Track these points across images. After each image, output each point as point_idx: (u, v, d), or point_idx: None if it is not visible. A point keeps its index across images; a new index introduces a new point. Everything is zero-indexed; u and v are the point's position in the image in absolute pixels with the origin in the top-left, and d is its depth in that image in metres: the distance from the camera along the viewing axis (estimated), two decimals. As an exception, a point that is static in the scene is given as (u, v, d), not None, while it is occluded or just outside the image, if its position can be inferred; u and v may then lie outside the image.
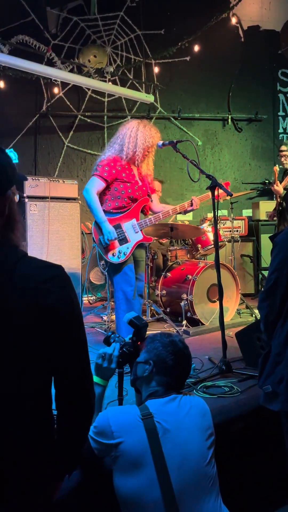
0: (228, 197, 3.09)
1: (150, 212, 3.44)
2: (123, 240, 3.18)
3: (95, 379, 1.68)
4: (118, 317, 3.20)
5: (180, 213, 3.48)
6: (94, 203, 3.14)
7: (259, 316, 1.87)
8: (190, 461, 1.44)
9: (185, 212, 3.45)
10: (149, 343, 1.67)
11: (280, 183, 4.60)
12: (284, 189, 4.58)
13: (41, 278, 1.07)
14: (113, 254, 3.15)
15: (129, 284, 3.18)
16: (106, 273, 4.39)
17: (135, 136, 3.15)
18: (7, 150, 4.27)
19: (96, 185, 3.15)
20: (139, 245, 3.30)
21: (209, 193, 2.87)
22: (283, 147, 4.70)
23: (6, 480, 1.06)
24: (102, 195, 3.23)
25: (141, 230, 3.24)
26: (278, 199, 4.67)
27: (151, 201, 3.37)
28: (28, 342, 1.05)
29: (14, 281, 1.04)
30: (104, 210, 3.19)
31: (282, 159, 4.69)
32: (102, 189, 3.18)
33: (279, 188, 4.55)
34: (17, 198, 1.14)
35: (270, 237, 1.95)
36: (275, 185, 4.59)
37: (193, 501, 1.41)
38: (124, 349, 1.74)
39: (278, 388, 1.70)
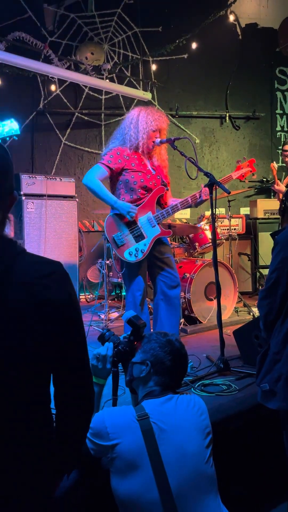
0: (226, 194, 2.91)
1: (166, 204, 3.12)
2: (139, 236, 2.88)
3: (93, 378, 1.67)
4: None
5: (190, 206, 3.08)
6: (97, 187, 2.84)
7: (259, 314, 1.87)
8: (188, 461, 1.43)
9: (196, 204, 3.05)
10: (145, 343, 1.65)
11: (281, 181, 4.61)
12: (286, 187, 4.57)
13: (40, 274, 1.07)
14: (129, 253, 2.86)
15: (140, 288, 2.92)
16: (104, 272, 4.39)
17: (136, 123, 2.91)
18: (10, 120, 4.20)
19: (97, 172, 2.87)
20: (159, 240, 2.97)
21: (233, 173, 2.67)
22: (287, 147, 4.67)
23: (4, 479, 1.05)
24: (114, 190, 3.00)
25: (158, 224, 2.91)
26: (281, 197, 4.65)
27: (167, 189, 3.08)
28: (26, 337, 1.04)
29: (12, 276, 1.04)
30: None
31: (287, 159, 4.67)
32: (104, 178, 2.90)
33: (280, 187, 4.55)
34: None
35: (271, 234, 1.95)
36: (275, 185, 4.59)
37: (192, 501, 1.40)
38: (119, 348, 1.72)
39: (276, 387, 1.69)
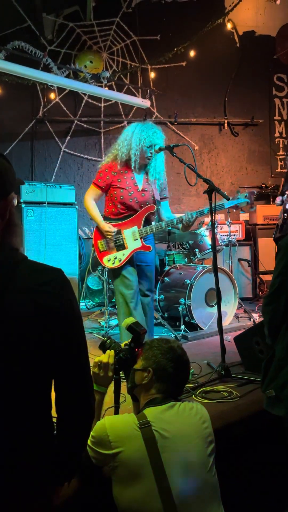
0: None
1: (155, 219, 3.30)
2: (120, 246, 3.11)
3: (94, 386, 1.66)
4: (120, 321, 3.17)
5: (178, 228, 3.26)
6: (89, 210, 3.17)
7: (263, 320, 1.86)
8: (191, 469, 1.42)
9: (184, 228, 3.20)
10: (147, 350, 1.65)
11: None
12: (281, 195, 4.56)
13: (41, 280, 1.07)
14: (108, 259, 3.11)
15: (128, 287, 3.07)
16: (104, 278, 4.38)
17: (130, 139, 3.04)
18: None
19: (91, 193, 3.18)
20: (140, 252, 3.15)
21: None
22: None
23: (4, 486, 1.04)
24: (105, 200, 3.23)
25: (140, 238, 3.10)
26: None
27: (158, 208, 3.23)
28: (27, 343, 1.05)
29: (14, 282, 1.04)
30: (104, 215, 3.19)
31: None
32: (99, 196, 3.19)
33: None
34: (15, 202, 1.14)
35: (274, 239, 1.95)
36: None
37: (194, 510, 1.39)
38: (120, 355, 1.71)
39: (282, 393, 1.68)
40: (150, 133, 3.04)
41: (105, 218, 3.17)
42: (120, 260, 3.07)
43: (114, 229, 3.07)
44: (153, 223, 3.22)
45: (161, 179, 3.24)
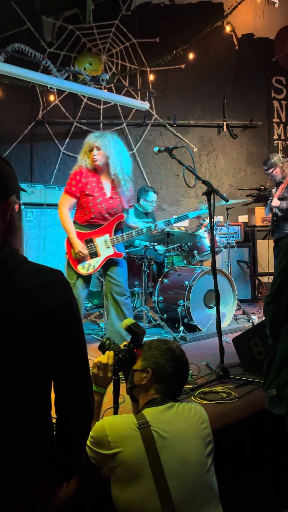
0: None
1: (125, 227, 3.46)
2: (93, 254, 3.24)
3: (93, 387, 1.66)
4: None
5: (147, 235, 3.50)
6: (64, 222, 3.22)
7: (265, 319, 1.86)
8: (189, 470, 1.42)
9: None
10: (146, 350, 1.65)
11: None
12: (279, 199, 4.61)
13: (42, 281, 1.08)
14: (82, 266, 3.23)
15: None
16: (102, 280, 4.39)
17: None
18: None
19: (66, 203, 3.23)
20: (115, 260, 3.29)
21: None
22: (264, 167, 4.89)
23: (4, 486, 1.05)
24: (77, 206, 3.31)
25: (112, 246, 3.25)
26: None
27: (127, 217, 3.36)
28: (28, 344, 1.05)
29: (14, 283, 1.05)
30: (74, 220, 3.28)
31: (269, 177, 4.88)
32: (73, 205, 3.26)
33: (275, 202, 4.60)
34: (17, 207, 1.16)
35: (274, 241, 1.96)
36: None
37: (193, 510, 1.39)
38: (119, 356, 1.71)
39: (283, 392, 1.69)
40: (90, 134, 3.26)
41: (75, 223, 3.27)
42: (94, 267, 3.23)
43: (86, 252, 3.20)
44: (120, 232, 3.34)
45: (128, 187, 3.31)
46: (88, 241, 3.24)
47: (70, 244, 3.25)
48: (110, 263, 3.29)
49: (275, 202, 4.57)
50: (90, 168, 3.21)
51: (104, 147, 3.15)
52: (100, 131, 3.39)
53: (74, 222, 3.26)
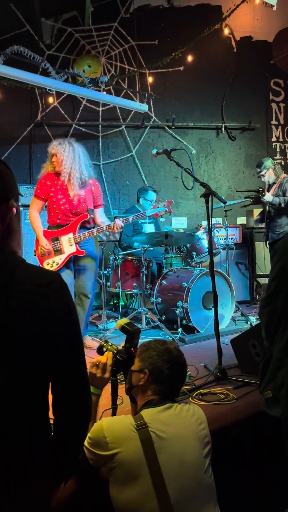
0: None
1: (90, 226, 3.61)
2: (58, 251, 3.46)
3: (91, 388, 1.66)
4: None
5: (109, 233, 3.65)
6: (32, 222, 3.52)
7: (260, 322, 1.87)
8: (187, 470, 1.43)
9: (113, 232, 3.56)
10: (143, 351, 1.65)
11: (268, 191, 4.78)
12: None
13: (40, 282, 1.10)
14: (47, 263, 3.46)
15: None
16: (101, 282, 4.40)
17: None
18: None
19: (34, 205, 3.55)
20: (86, 255, 3.49)
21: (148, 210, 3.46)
22: (257, 169, 5.01)
23: (3, 486, 1.05)
24: (47, 210, 3.58)
25: (75, 244, 3.43)
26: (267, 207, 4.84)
27: (91, 217, 3.54)
28: (25, 344, 1.06)
29: (13, 284, 1.06)
30: (48, 225, 3.54)
31: (261, 178, 4.96)
32: (41, 206, 3.56)
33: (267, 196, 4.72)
34: (15, 210, 1.17)
35: (270, 243, 1.97)
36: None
37: (191, 511, 1.40)
38: (118, 357, 1.71)
39: (279, 393, 1.69)
40: (52, 146, 3.50)
41: (49, 227, 3.53)
42: (57, 264, 3.43)
43: (49, 247, 3.45)
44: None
45: (90, 187, 3.55)
46: (54, 239, 3.48)
47: (37, 242, 3.50)
48: (78, 259, 3.50)
49: (268, 196, 4.68)
50: (53, 173, 3.49)
51: (61, 154, 3.41)
52: (62, 138, 3.62)
53: (48, 227, 3.53)
